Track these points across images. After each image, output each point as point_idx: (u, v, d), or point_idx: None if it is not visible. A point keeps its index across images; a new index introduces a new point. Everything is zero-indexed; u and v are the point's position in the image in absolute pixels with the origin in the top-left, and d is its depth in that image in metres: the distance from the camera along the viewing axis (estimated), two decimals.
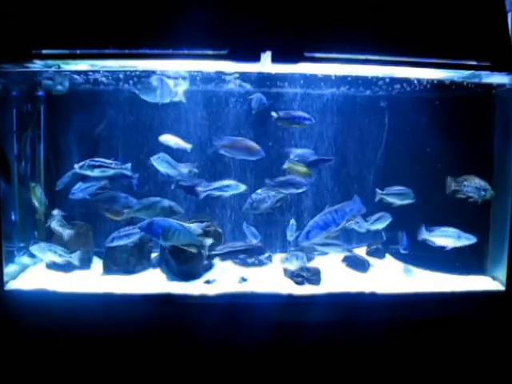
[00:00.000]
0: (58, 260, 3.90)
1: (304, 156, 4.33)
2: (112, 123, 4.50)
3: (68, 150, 4.46)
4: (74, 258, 3.90)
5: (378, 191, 4.09)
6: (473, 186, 3.82)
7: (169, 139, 4.18)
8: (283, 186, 4.17)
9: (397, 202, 4.08)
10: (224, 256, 4.19)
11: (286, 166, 4.25)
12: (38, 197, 4.08)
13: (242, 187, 4.06)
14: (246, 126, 4.63)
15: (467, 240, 3.84)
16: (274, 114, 4.05)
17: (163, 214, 3.75)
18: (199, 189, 4.04)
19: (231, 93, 4.53)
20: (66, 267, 3.99)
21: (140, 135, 4.45)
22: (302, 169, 4.24)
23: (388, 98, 4.66)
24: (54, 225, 4.04)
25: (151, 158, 4.01)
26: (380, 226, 4.23)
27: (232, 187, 4.05)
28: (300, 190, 4.21)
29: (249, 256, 4.31)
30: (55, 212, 4.08)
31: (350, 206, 3.43)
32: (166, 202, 3.85)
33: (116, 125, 4.50)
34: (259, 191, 4.14)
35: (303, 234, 3.44)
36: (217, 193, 4.06)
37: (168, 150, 4.17)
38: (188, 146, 4.23)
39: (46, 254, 3.88)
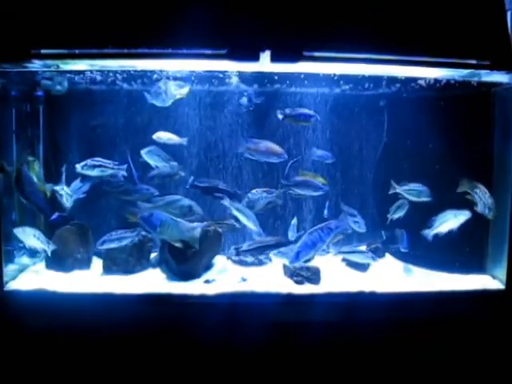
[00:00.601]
0: (38, 246, 3.88)
1: (323, 157, 4.33)
2: (112, 123, 4.50)
3: (67, 149, 4.46)
4: (50, 249, 3.89)
5: (395, 186, 4.08)
6: (482, 198, 3.83)
7: (162, 136, 4.18)
8: (299, 186, 4.18)
9: (412, 198, 4.06)
10: (254, 251, 4.19)
11: (299, 175, 4.28)
12: (36, 171, 4.02)
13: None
14: (246, 127, 4.64)
15: (464, 216, 3.84)
16: (279, 114, 4.04)
17: (182, 213, 3.81)
18: (225, 202, 4.05)
19: (232, 92, 4.53)
20: (66, 267, 4.00)
21: (140, 134, 4.44)
22: (317, 178, 4.27)
23: (387, 97, 4.66)
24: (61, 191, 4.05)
25: (141, 152, 4.02)
26: (401, 213, 4.17)
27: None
28: (317, 193, 4.22)
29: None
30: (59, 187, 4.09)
31: (336, 224, 3.50)
32: (186, 202, 3.88)
33: (116, 124, 4.50)
34: (254, 191, 4.15)
35: (293, 256, 3.51)
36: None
37: (170, 148, 4.20)
38: (183, 141, 4.23)
39: (29, 238, 3.84)
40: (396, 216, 4.20)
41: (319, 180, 4.26)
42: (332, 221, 3.57)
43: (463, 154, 4.02)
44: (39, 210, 4.04)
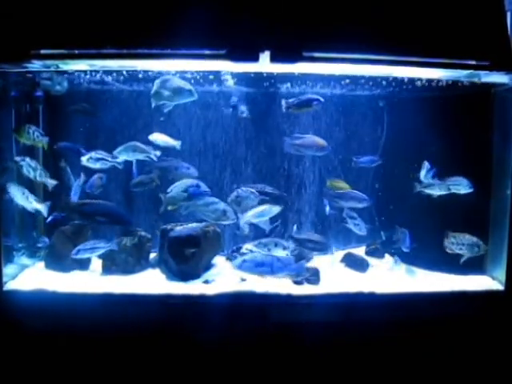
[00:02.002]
0: (28, 206, 3.92)
1: (368, 162, 4.36)
2: (112, 122, 4.50)
3: (67, 149, 4.46)
4: (44, 208, 3.94)
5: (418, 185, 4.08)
6: (464, 243, 3.91)
7: (157, 138, 4.18)
8: (343, 198, 4.22)
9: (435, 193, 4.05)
10: (299, 242, 4.16)
11: (327, 183, 4.36)
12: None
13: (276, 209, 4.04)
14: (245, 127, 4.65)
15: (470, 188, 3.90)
16: (283, 103, 4.01)
17: (216, 216, 3.88)
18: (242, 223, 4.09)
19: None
20: (65, 267, 4.00)
21: (140, 134, 4.44)
22: (344, 185, 4.31)
23: (386, 97, 4.65)
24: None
25: (114, 152, 4.05)
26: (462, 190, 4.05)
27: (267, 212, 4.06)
28: (361, 205, 4.22)
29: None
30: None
31: (292, 266, 3.48)
32: (222, 206, 3.90)
33: (116, 124, 4.51)
34: (245, 188, 4.11)
35: (240, 261, 3.47)
36: (255, 220, 4.09)
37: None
38: (177, 144, 4.23)
39: (19, 196, 3.88)
40: (454, 189, 4.03)
41: (345, 186, 4.31)
42: (293, 262, 3.54)
43: (463, 155, 4.01)
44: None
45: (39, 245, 4.28)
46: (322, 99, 4.05)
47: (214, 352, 3.43)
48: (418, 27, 3.26)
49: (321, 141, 4.07)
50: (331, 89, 4.48)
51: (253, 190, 4.09)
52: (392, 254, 4.21)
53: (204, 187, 3.90)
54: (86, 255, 3.88)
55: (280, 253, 3.73)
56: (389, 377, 3.53)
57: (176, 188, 3.93)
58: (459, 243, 3.91)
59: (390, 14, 3.25)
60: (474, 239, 3.89)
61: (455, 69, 3.45)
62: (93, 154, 4.00)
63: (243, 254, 4.32)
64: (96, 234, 4.38)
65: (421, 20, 3.27)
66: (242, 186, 4.23)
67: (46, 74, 3.90)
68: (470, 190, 3.90)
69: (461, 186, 3.92)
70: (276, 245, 3.70)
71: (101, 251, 3.93)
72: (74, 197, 4.22)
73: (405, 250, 4.27)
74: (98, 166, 4.04)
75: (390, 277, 4.15)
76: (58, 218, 4.22)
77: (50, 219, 4.21)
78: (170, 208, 3.97)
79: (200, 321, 3.48)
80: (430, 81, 3.97)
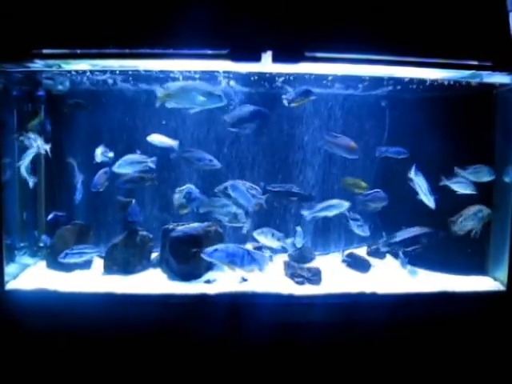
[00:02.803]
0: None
1: (394, 153, 4.31)
2: (113, 122, 4.50)
3: (69, 148, 4.47)
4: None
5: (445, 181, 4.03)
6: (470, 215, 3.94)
7: (155, 138, 4.19)
8: (372, 200, 4.25)
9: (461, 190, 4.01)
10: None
11: (343, 182, 4.39)
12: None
13: (346, 204, 4.12)
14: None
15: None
16: (284, 101, 3.96)
17: (228, 218, 4.02)
18: (305, 213, 4.18)
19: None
20: (67, 267, 4.01)
21: (141, 133, 4.43)
22: (362, 184, 4.33)
23: (388, 97, 4.65)
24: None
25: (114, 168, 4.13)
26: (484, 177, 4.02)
27: (336, 206, 4.13)
28: (384, 204, 4.26)
29: None
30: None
31: (263, 259, 3.49)
32: (234, 209, 4.01)
33: (117, 123, 4.51)
34: (238, 181, 4.08)
35: (211, 249, 3.45)
36: (322, 213, 4.15)
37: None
38: (175, 144, 4.23)
39: None
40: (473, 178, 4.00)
41: (362, 184, 4.32)
42: (264, 258, 3.54)
43: (465, 155, 4.00)
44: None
45: (40, 244, 4.29)
46: (313, 90, 4.00)
47: (215, 352, 3.43)
48: (419, 27, 3.26)
49: (352, 144, 4.10)
50: (330, 88, 4.48)
51: (249, 184, 4.06)
52: (398, 256, 4.18)
53: (196, 193, 4.01)
54: (72, 260, 3.89)
55: (275, 243, 4.06)
56: (390, 377, 3.53)
57: (181, 193, 4.06)
58: (467, 219, 3.90)
59: (391, 15, 3.25)
60: (476, 207, 3.90)
61: (457, 69, 3.46)
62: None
63: None
64: (98, 234, 4.40)
65: (423, 20, 3.27)
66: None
67: (48, 74, 3.90)
68: (492, 177, 3.90)
69: (482, 174, 3.91)
70: (273, 235, 4.08)
71: (87, 256, 3.96)
72: (79, 196, 4.24)
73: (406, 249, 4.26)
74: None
75: (392, 277, 4.13)
76: (58, 216, 4.22)
77: (50, 217, 4.22)
78: (181, 212, 4.11)
79: (201, 320, 3.48)
80: (431, 81, 3.96)
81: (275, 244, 4.16)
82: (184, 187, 4.12)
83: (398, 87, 4.26)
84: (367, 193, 4.27)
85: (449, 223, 3.98)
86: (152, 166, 4.15)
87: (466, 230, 3.95)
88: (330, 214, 4.16)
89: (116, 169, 4.09)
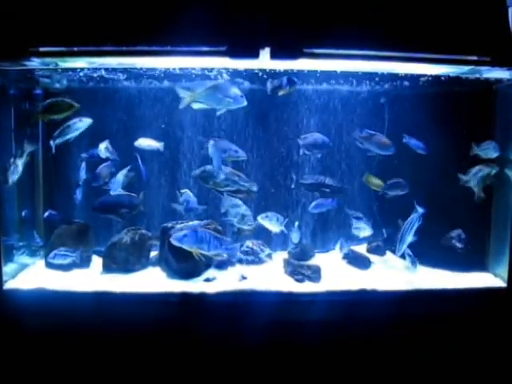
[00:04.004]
0: None
1: (415, 146, 4.23)
2: (113, 122, 4.49)
3: (67, 148, 4.45)
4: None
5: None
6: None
7: (142, 142, 4.22)
8: (391, 188, 4.27)
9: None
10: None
11: (365, 178, 4.45)
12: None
13: None
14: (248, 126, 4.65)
15: None
16: (268, 86, 3.95)
17: (237, 219, 4.13)
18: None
19: None
20: (66, 266, 4.00)
21: (141, 131, 4.42)
22: (379, 182, 4.37)
23: (388, 93, 4.64)
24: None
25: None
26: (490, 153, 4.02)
27: None
28: (403, 192, 4.25)
29: None
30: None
31: (230, 245, 3.55)
32: (242, 210, 4.12)
33: (117, 121, 4.49)
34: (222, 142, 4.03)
35: (181, 235, 3.47)
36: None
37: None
38: (160, 146, 4.26)
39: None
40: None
41: (378, 182, 4.38)
42: (229, 244, 3.57)
43: (465, 151, 3.99)
44: None
45: (34, 244, 4.28)
46: (296, 80, 3.98)
47: (215, 350, 3.43)
48: (419, 23, 3.25)
49: (385, 140, 4.14)
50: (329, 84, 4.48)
51: (229, 168, 4.04)
52: (408, 255, 4.16)
53: (193, 202, 4.10)
54: (59, 261, 3.96)
55: (279, 228, 4.19)
56: (391, 375, 3.52)
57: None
58: (476, 174, 3.93)
59: (391, 10, 3.23)
60: (476, 167, 3.94)
61: (456, 64, 3.44)
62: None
63: (244, 252, 4.37)
64: (97, 233, 4.39)
65: (422, 16, 3.26)
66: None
67: (45, 72, 3.88)
68: (498, 154, 3.91)
69: (488, 150, 3.91)
70: (277, 219, 4.19)
71: (69, 260, 3.99)
72: (79, 195, 4.25)
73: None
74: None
75: (392, 274, 4.12)
76: (52, 215, 4.21)
77: (46, 215, 4.21)
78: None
79: (201, 319, 3.48)
80: (430, 77, 3.95)
81: (278, 229, 4.21)
82: (183, 191, 4.13)
83: (397, 83, 4.26)
84: (392, 181, 4.25)
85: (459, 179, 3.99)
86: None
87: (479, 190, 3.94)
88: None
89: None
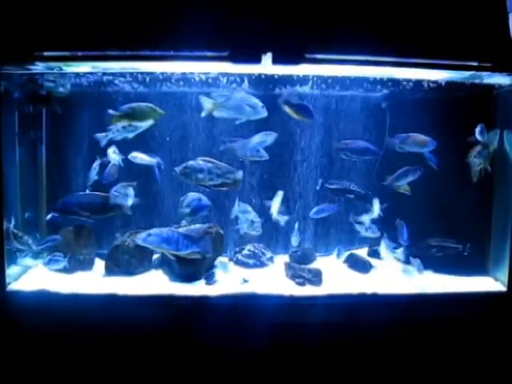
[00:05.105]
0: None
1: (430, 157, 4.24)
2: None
3: (70, 151, 4.48)
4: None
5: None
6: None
7: (136, 156, 4.20)
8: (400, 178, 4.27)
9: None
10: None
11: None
12: None
13: None
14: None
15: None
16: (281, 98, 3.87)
17: (246, 225, 4.23)
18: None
19: None
20: (68, 268, 4.02)
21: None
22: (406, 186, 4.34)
23: (389, 98, 4.65)
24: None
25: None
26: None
27: None
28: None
29: None
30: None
31: (204, 243, 3.57)
32: (251, 216, 4.21)
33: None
34: (199, 160, 3.94)
35: (144, 235, 3.47)
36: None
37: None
38: (153, 161, 4.24)
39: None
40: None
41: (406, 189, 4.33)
42: (201, 241, 3.58)
43: (465, 156, 4.00)
44: None
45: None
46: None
47: (217, 352, 3.44)
48: (420, 28, 3.27)
49: (423, 138, 4.10)
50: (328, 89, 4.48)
51: (211, 161, 3.94)
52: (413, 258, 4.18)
53: (206, 201, 4.01)
54: (54, 266, 4.00)
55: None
56: (391, 378, 3.53)
57: (185, 202, 4.06)
58: (475, 157, 3.93)
59: (392, 16, 3.25)
60: (478, 147, 3.94)
61: (457, 70, 3.45)
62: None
63: (246, 255, 4.39)
64: (99, 235, 4.41)
65: (423, 21, 3.28)
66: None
67: (49, 76, 3.90)
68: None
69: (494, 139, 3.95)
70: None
71: (61, 264, 3.99)
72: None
73: (402, 243, 4.23)
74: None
75: (393, 278, 4.13)
76: (54, 218, 4.22)
77: (49, 217, 4.23)
78: (186, 220, 4.11)
79: (203, 321, 3.49)
80: (431, 82, 3.97)
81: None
82: (188, 197, 4.12)
83: (398, 89, 4.27)
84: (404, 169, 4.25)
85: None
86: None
87: (477, 171, 3.93)
88: None
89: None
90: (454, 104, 4.08)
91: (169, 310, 3.54)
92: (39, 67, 3.37)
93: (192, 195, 4.06)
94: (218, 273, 4.00)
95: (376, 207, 4.31)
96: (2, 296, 3.50)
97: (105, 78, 4.03)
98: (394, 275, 4.21)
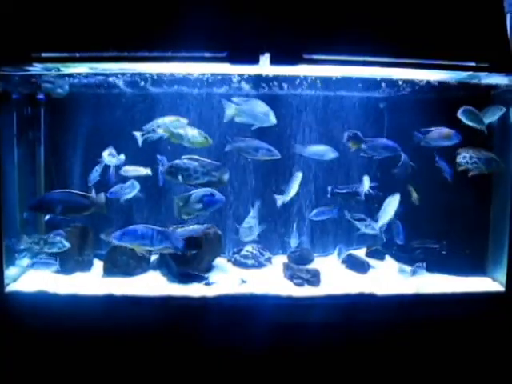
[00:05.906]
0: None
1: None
2: (114, 126, 4.50)
3: (68, 152, 4.48)
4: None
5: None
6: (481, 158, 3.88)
7: (128, 169, 4.23)
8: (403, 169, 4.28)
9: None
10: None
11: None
12: None
13: None
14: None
15: None
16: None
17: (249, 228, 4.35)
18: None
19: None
20: (67, 269, 4.01)
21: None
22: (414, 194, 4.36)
23: (387, 99, 4.66)
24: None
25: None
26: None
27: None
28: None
29: None
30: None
31: (175, 237, 3.55)
32: (253, 221, 4.34)
33: (118, 127, 4.51)
34: (185, 160, 3.86)
35: (119, 234, 3.48)
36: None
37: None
38: (147, 172, 4.27)
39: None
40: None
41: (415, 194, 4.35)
42: (173, 236, 3.57)
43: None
44: None
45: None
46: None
47: (215, 354, 3.44)
48: (418, 29, 3.28)
49: (447, 132, 4.06)
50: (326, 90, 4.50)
51: (197, 159, 3.88)
52: (417, 260, 4.17)
53: (219, 195, 3.93)
54: (41, 268, 3.98)
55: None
56: (390, 378, 3.53)
57: (192, 197, 3.95)
58: (473, 157, 3.87)
59: (390, 16, 3.26)
60: (492, 154, 3.88)
61: (455, 70, 3.46)
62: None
63: (244, 256, 4.40)
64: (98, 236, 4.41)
65: (421, 22, 3.29)
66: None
67: (47, 77, 3.91)
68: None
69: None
70: None
71: (54, 267, 3.98)
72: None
73: (399, 242, 4.23)
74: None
75: (391, 278, 4.14)
76: (53, 219, 4.22)
77: (47, 218, 4.22)
78: (185, 217, 3.99)
79: (201, 322, 3.49)
80: (429, 83, 3.97)
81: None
82: (195, 192, 4.04)
83: (396, 89, 4.28)
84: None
85: (456, 153, 3.95)
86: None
87: (466, 166, 3.91)
88: None
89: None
90: (451, 104, 4.08)
91: (167, 310, 3.54)
92: (37, 68, 3.37)
93: (203, 190, 3.92)
94: (217, 274, 4.01)
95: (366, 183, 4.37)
96: (0, 297, 3.50)
97: (100, 77, 4.03)
98: (392, 275, 4.22)
